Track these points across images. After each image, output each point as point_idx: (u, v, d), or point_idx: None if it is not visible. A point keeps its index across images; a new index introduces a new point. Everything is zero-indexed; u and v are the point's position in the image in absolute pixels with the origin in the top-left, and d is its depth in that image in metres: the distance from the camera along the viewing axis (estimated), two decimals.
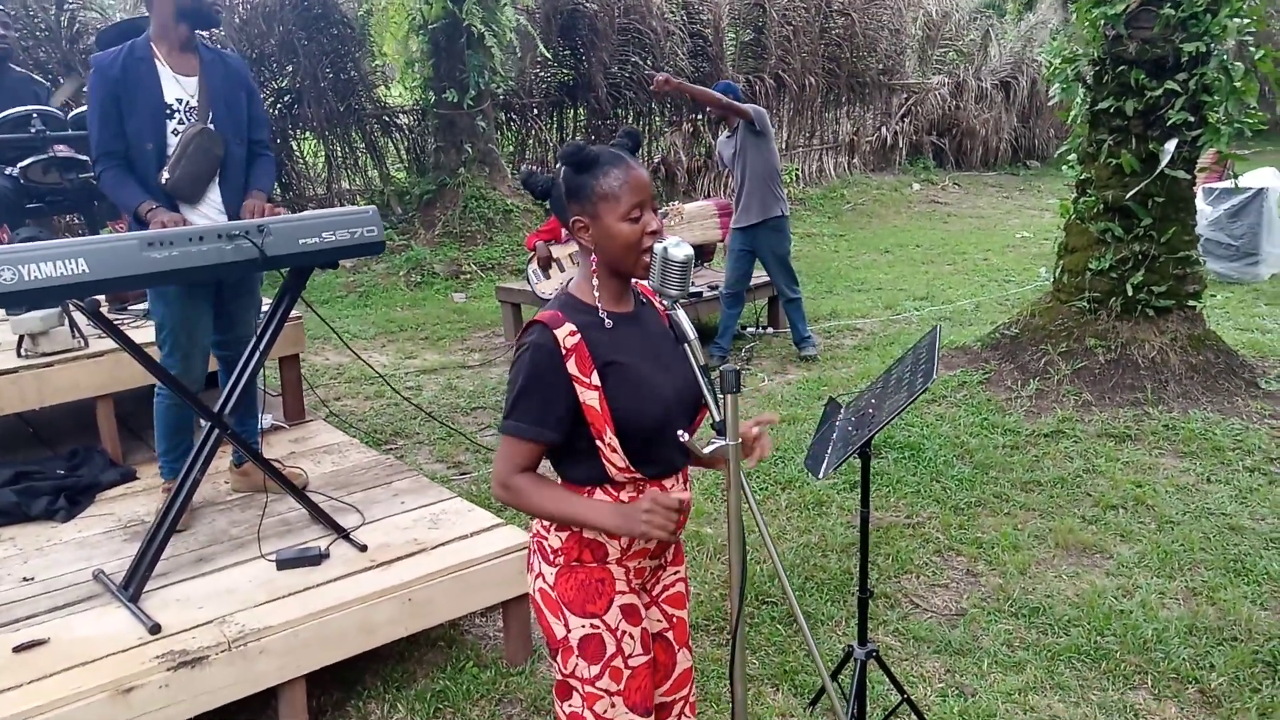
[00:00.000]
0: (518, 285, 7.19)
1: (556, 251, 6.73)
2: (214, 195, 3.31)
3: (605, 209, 1.71)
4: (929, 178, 14.84)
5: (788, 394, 5.78)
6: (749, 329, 7.19)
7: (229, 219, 3.30)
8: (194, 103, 3.25)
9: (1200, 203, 7.82)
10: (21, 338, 3.86)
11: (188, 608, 2.73)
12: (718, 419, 1.77)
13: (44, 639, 2.57)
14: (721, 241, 7.12)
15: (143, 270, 2.51)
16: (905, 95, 14.99)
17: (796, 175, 13.61)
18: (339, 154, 10.95)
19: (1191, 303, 5.42)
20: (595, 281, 1.78)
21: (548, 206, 1.88)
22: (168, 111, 3.21)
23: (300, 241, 2.79)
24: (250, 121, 3.41)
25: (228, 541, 3.20)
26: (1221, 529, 3.91)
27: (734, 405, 1.75)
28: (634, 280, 1.84)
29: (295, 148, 10.75)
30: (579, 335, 1.71)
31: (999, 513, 4.13)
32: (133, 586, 2.77)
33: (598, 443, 1.72)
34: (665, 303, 1.77)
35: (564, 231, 6.58)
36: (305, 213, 2.99)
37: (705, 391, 1.77)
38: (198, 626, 2.62)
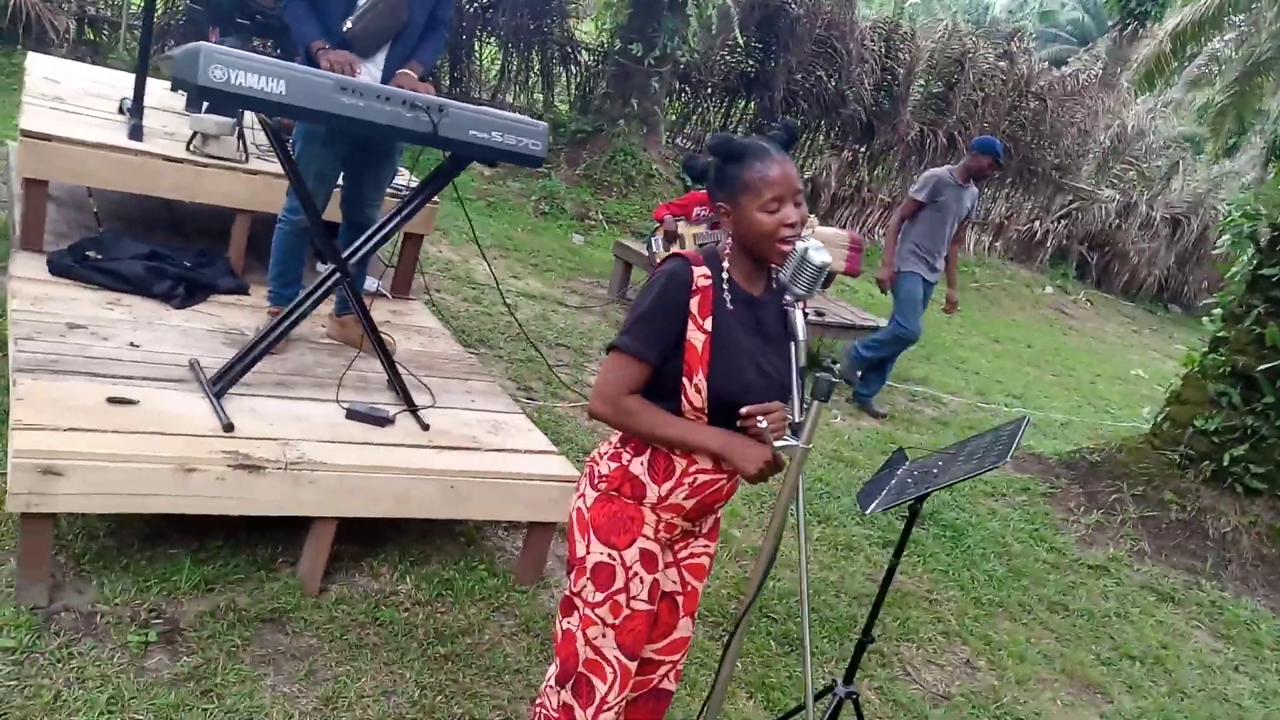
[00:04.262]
0: (637, 246, 7.30)
1: (683, 229, 6.80)
2: (380, 55, 3.46)
3: (745, 199, 1.83)
4: (1065, 285, 14.46)
5: (856, 438, 5.79)
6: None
7: (383, 81, 3.42)
8: None
9: None
10: (194, 135, 4.14)
11: (260, 421, 2.94)
12: (797, 419, 1.86)
13: (135, 400, 2.81)
14: (844, 273, 7.08)
15: (329, 109, 2.68)
16: (1070, 198, 14.60)
17: None
18: (514, 68, 11.23)
19: None
20: (725, 264, 1.90)
21: (689, 182, 2.02)
22: None
23: (470, 132, 2.93)
24: None
25: (310, 377, 3.40)
26: (1232, 717, 3.83)
27: (817, 412, 1.84)
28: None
29: (476, 49, 11.05)
30: (710, 281, 1.84)
31: (1017, 620, 4.11)
32: (220, 385, 2.99)
33: (684, 380, 1.83)
34: (788, 298, 1.87)
35: (695, 211, 6.70)
36: (483, 107, 3.14)
37: (795, 391, 1.87)
38: (264, 439, 2.82)
